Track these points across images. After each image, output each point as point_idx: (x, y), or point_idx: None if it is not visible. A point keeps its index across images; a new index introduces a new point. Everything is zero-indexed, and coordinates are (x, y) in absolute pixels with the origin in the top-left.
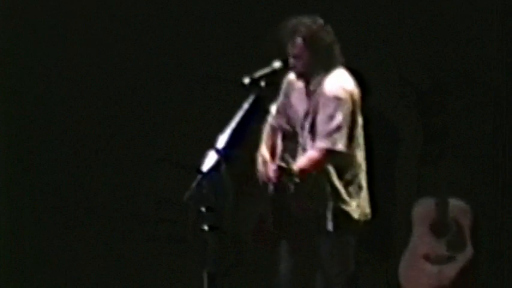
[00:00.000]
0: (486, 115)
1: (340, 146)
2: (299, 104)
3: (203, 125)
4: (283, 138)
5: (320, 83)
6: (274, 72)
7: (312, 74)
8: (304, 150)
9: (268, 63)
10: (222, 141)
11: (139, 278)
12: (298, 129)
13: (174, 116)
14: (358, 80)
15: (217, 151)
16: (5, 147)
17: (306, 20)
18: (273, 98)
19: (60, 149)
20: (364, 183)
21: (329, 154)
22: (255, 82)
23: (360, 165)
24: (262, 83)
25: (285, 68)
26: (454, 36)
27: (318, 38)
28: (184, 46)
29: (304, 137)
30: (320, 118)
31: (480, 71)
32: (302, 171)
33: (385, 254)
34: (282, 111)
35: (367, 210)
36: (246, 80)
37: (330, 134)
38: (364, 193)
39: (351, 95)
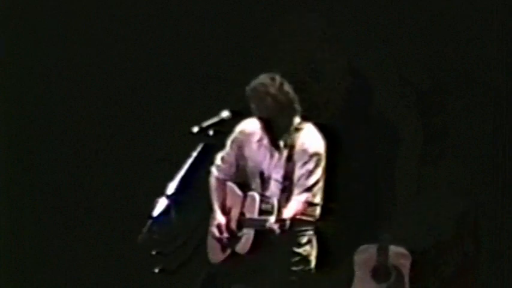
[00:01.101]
0: (486, 115)
1: (318, 199)
2: (260, 157)
3: (156, 173)
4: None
5: (293, 139)
6: (222, 121)
7: (281, 129)
8: (267, 201)
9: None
10: (171, 187)
11: (140, 278)
12: (253, 181)
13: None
14: (358, 81)
15: (167, 197)
16: (5, 147)
17: (268, 79)
18: (221, 147)
19: (60, 149)
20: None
21: (308, 206)
22: (203, 131)
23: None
24: (210, 132)
25: (233, 118)
26: (454, 36)
27: (283, 94)
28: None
29: (271, 189)
30: (300, 173)
31: (480, 71)
32: (293, 219)
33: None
34: (231, 163)
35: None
36: (195, 129)
37: (310, 189)
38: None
39: (324, 153)
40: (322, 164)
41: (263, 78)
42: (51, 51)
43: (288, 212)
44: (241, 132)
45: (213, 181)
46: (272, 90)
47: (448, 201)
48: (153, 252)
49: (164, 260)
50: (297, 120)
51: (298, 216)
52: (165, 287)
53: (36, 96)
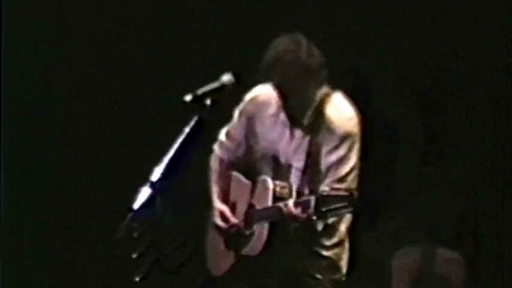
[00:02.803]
0: (486, 115)
1: (353, 189)
2: (275, 136)
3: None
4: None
5: (317, 115)
6: (223, 88)
7: (304, 103)
8: (292, 192)
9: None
10: (157, 173)
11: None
12: (265, 167)
13: None
14: (358, 81)
15: (152, 185)
16: (5, 147)
17: (294, 43)
18: (222, 120)
19: (60, 149)
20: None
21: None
22: (198, 100)
23: None
24: (208, 101)
25: (237, 84)
26: (454, 36)
27: (312, 60)
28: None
29: (291, 179)
30: (329, 160)
31: (480, 71)
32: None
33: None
34: (240, 141)
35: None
36: (188, 97)
37: (343, 179)
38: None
39: (359, 126)
40: (357, 145)
41: (285, 42)
42: (51, 51)
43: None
44: (252, 101)
45: (214, 163)
46: (303, 55)
47: (448, 201)
48: (134, 256)
49: (146, 264)
50: (324, 89)
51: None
52: (166, 286)
53: (36, 96)
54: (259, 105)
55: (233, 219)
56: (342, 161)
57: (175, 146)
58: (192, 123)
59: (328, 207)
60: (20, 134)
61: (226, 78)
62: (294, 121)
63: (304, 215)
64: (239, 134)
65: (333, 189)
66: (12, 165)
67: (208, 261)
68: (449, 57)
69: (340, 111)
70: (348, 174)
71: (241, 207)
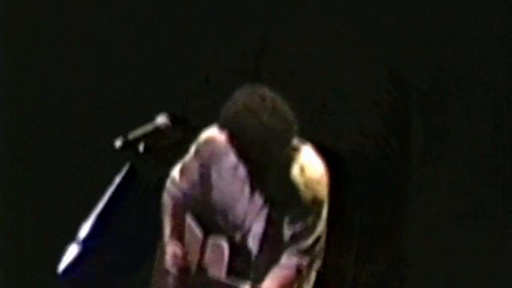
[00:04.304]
0: (486, 115)
1: (318, 263)
2: (233, 193)
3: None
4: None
5: (282, 177)
6: (157, 131)
7: (269, 164)
8: (241, 258)
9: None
10: (85, 229)
11: (140, 278)
12: (222, 221)
13: None
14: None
15: (80, 243)
16: (5, 147)
17: (257, 101)
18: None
19: (61, 149)
20: None
21: (304, 274)
22: (129, 145)
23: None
24: (141, 147)
25: (173, 127)
26: (454, 36)
27: (279, 119)
28: None
29: (248, 243)
30: (294, 229)
31: (480, 71)
32: None
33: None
34: (194, 182)
35: None
36: (118, 143)
37: (308, 251)
38: None
39: (327, 188)
40: (325, 212)
41: (247, 96)
42: (51, 51)
43: (268, 283)
44: (208, 143)
45: (167, 200)
46: (263, 115)
47: (448, 201)
48: None
49: None
50: (293, 145)
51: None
52: None
53: (36, 96)
54: (216, 151)
55: (184, 263)
56: (308, 230)
57: (105, 198)
58: (123, 171)
59: None
60: (20, 134)
61: (161, 120)
62: (254, 182)
63: None
64: (194, 175)
65: None
66: (12, 165)
67: None
68: (449, 57)
69: (308, 173)
70: (313, 245)
71: (193, 258)
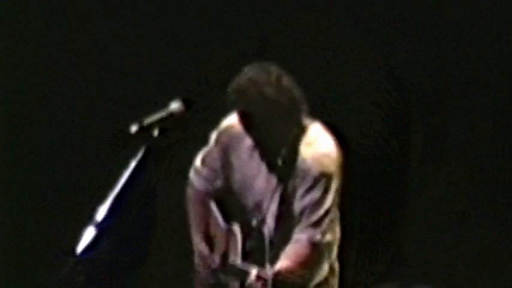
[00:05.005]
0: (486, 115)
1: (329, 237)
2: (251, 173)
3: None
4: (225, 215)
5: (291, 153)
6: (171, 116)
7: (277, 140)
8: (271, 240)
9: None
10: (102, 212)
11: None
12: (244, 201)
13: None
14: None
15: (97, 225)
16: (5, 147)
17: (261, 74)
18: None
19: (61, 149)
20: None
21: (316, 247)
22: (144, 131)
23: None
24: (155, 132)
25: (186, 111)
26: (454, 37)
27: (283, 93)
28: None
29: (267, 221)
30: (303, 204)
31: (480, 71)
32: (288, 272)
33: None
34: (216, 170)
35: None
36: (133, 128)
37: (317, 224)
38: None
39: (338, 163)
40: (334, 185)
41: (252, 71)
42: (52, 51)
43: (282, 261)
44: (227, 130)
45: (190, 193)
46: (267, 88)
47: (447, 201)
48: None
49: None
50: (300, 123)
51: (296, 265)
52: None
53: (37, 96)
54: (235, 136)
55: (211, 263)
56: (316, 203)
57: (121, 180)
58: (139, 154)
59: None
60: (20, 134)
61: (175, 106)
62: (267, 162)
63: None
64: (215, 163)
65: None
66: (12, 165)
67: None
68: (449, 57)
69: (315, 147)
70: (322, 218)
71: (219, 249)
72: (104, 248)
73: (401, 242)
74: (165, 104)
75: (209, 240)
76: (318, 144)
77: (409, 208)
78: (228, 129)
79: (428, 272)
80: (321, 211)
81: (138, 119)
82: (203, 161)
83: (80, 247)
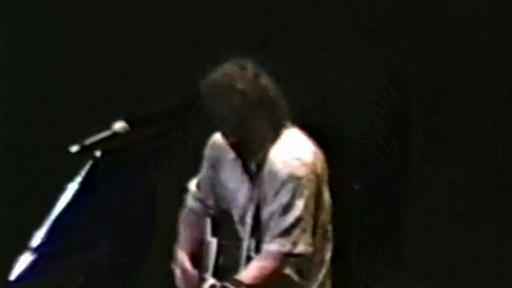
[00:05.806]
0: (486, 115)
1: (302, 248)
2: (235, 185)
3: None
4: (215, 231)
5: (265, 157)
6: (115, 136)
7: (251, 143)
8: (248, 255)
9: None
10: (38, 237)
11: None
12: (235, 217)
13: None
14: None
15: (33, 251)
16: (5, 147)
17: (236, 69)
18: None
19: (60, 149)
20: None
21: (286, 259)
22: (86, 151)
23: (324, 264)
24: (97, 153)
25: (131, 131)
26: (454, 37)
27: (258, 91)
28: None
29: (246, 234)
30: (271, 209)
31: (480, 71)
32: (252, 286)
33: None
34: (207, 189)
35: None
36: (74, 148)
37: (286, 233)
38: None
39: (313, 168)
40: (307, 191)
41: (228, 67)
42: (51, 50)
43: (245, 274)
44: (213, 145)
45: (184, 216)
46: (240, 83)
47: (447, 201)
48: None
49: None
50: (279, 126)
51: (261, 278)
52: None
53: (37, 96)
54: (221, 148)
55: (191, 277)
56: (285, 209)
57: (62, 203)
58: (84, 170)
59: None
60: (20, 134)
61: (119, 125)
62: (247, 170)
63: None
64: (207, 181)
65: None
66: (12, 165)
67: None
68: (449, 57)
69: (287, 149)
70: (293, 226)
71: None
72: (101, 250)
73: (401, 242)
74: (168, 101)
75: (195, 258)
76: (289, 147)
77: (409, 208)
78: (214, 143)
79: (428, 272)
80: (290, 218)
81: (138, 118)
82: (198, 186)
83: (14, 274)
